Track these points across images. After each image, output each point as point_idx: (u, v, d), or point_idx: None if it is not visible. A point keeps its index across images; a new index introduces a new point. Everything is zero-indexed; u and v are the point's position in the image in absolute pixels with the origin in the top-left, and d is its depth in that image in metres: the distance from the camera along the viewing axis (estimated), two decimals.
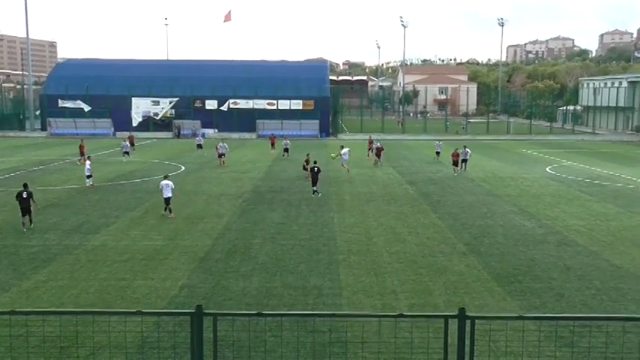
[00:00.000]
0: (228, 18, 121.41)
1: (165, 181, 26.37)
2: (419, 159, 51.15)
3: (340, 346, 12.17)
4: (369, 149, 50.23)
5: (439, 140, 56.86)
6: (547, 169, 45.12)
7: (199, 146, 53.71)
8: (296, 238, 22.34)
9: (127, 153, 48.83)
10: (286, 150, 51.57)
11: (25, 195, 23.67)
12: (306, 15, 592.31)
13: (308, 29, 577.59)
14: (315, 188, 31.79)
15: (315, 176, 31.84)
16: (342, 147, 41.51)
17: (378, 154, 46.38)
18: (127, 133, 64.61)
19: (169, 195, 25.97)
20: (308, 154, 39.65)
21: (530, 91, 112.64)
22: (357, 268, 18.53)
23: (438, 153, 49.87)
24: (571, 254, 20.40)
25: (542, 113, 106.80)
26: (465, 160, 42.09)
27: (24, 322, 11.11)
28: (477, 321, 7.46)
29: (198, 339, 7.39)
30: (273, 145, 56.98)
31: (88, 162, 34.27)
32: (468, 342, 7.32)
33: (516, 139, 78.61)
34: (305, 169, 37.09)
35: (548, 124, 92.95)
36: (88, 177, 33.54)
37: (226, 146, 46.16)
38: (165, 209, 26.14)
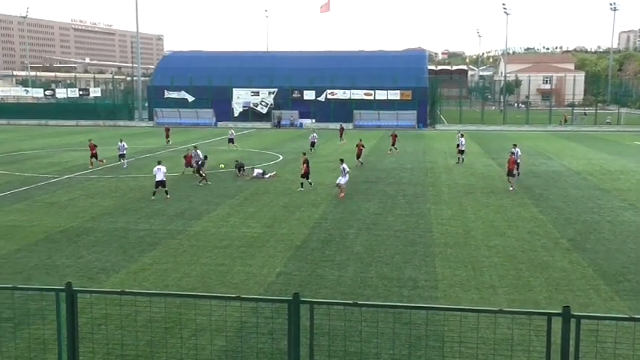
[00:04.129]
0: (326, 8, 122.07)
1: (158, 166, 28.30)
2: (521, 151, 49.36)
3: (436, 339, 12.00)
4: (392, 143, 48.35)
5: (460, 133, 46.81)
6: None
7: (230, 140, 50.95)
8: (391, 229, 22.21)
9: (122, 156, 38.99)
10: (313, 144, 49.21)
11: (200, 162, 32.34)
12: (405, 4, 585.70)
13: (407, 18, 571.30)
14: (303, 181, 30.43)
15: (307, 169, 30.42)
16: (342, 161, 30.28)
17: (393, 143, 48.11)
18: (230, 124, 66.49)
19: (162, 178, 27.88)
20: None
21: None
22: (453, 261, 18.19)
23: (461, 152, 41.81)
24: None
25: None
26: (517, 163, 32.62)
27: (133, 302, 11.72)
28: (582, 320, 7.14)
29: (295, 326, 7.51)
30: (341, 135, 57.21)
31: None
32: (572, 342, 7.02)
33: (627, 130, 74.26)
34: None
35: None
36: None
37: (199, 154, 34.13)
38: (154, 193, 27.93)
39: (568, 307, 7.05)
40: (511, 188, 30.31)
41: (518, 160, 33.62)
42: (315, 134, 51.09)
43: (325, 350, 11.33)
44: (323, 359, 11.18)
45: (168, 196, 27.86)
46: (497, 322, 11.85)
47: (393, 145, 48.26)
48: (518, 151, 34.89)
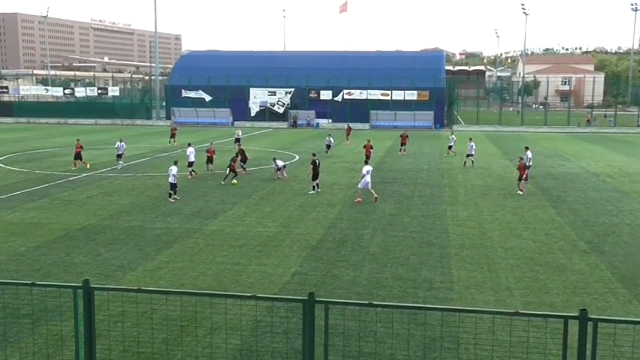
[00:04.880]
0: (343, 9, 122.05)
1: (170, 167, 27.52)
2: (538, 152, 49.00)
3: (451, 340, 11.96)
4: (402, 144, 47.73)
5: (452, 133, 50.55)
6: None
7: (237, 141, 49.28)
8: (407, 230, 22.15)
9: (119, 156, 38.07)
10: (328, 147, 47.34)
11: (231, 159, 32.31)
12: (423, 4, 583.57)
13: (424, 19, 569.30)
14: (314, 183, 29.82)
15: (315, 170, 29.88)
16: (366, 162, 30.07)
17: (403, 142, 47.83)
18: (242, 123, 66.44)
19: (171, 180, 27.01)
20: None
21: None
22: (469, 262, 18.10)
23: (450, 147, 46.56)
24: None
25: None
26: (528, 167, 31.83)
27: (149, 300, 11.81)
28: (599, 324, 7.08)
29: (310, 326, 7.52)
30: (348, 135, 56.65)
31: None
32: (589, 345, 6.96)
33: None
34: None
35: None
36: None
37: (189, 151, 34.71)
38: (171, 195, 27.19)
39: (585, 310, 6.99)
40: (520, 192, 29.80)
41: (529, 164, 33.05)
42: (331, 138, 48.62)
43: (340, 350, 11.34)
44: (338, 359, 11.18)
45: (170, 199, 27.07)
46: (513, 325, 11.76)
47: (403, 145, 47.81)
48: (529, 154, 34.08)
